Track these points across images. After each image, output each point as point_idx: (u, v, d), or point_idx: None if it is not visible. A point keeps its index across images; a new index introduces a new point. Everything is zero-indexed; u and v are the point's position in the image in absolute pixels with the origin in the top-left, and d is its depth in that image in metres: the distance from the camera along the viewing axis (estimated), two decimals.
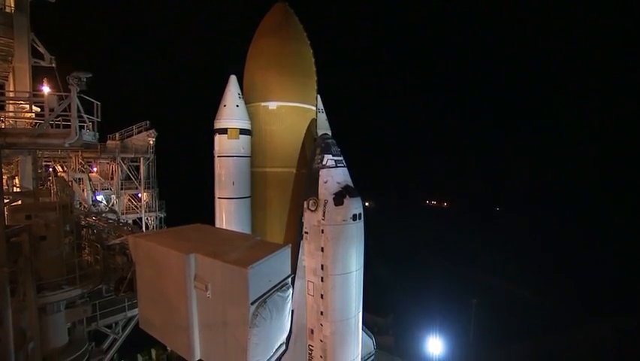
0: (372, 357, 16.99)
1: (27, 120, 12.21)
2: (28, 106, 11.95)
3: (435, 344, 33.83)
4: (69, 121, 10.41)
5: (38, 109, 12.09)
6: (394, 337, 41.22)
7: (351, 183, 9.96)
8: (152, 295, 6.95)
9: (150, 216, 24.98)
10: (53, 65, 16.34)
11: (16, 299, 10.01)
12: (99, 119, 11.55)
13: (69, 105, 10.13)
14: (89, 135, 11.22)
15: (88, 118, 10.88)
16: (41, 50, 16.53)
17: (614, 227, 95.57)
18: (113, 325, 16.07)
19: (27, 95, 11.85)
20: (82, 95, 10.36)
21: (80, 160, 22.43)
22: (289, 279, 6.37)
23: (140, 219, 24.66)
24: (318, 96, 12.93)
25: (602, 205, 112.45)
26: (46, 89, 12.30)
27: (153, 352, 25.90)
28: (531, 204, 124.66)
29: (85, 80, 9.83)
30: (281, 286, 6.09)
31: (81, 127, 10.75)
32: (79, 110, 10.24)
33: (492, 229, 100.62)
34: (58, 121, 10.71)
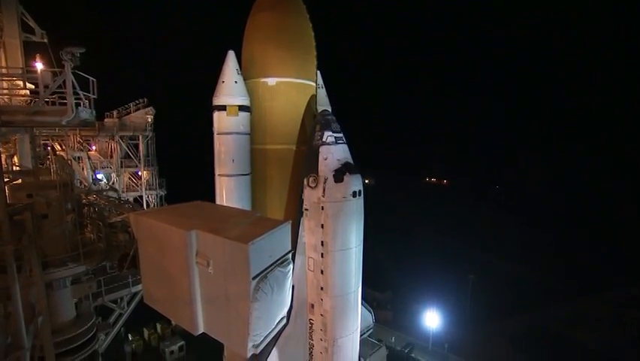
0: (371, 331, 17.51)
1: (22, 98, 12.02)
2: (22, 83, 11.72)
3: (432, 318, 34.82)
4: (65, 98, 10.24)
5: (32, 86, 11.87)
6: (393, 311, 42.38)
7: (351, 160, 9.92)
8: (155, 271, 7.06)
9: (151, 194, 25.11)
10: (45, 40, 15.86)
11: (22, 276, 10.21)
12: (95, 96, 11.36)
13: (64, 82, 9.94)
14: (86, 113, 11.07)
15: (84, 95, 10.70)
16: (31, 24, 16.00)
17: (611, 205, 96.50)
18: (118, 300, 16.49)
19: (20, 71, 11.57)
20: (76, 71, 10.14)
21: (79, 139, 22.30)
22: (290, 255, 6.45)
23: (141, 197, 24.80)
24: (318, 72, 12.69)
25: (599, 184, 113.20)
26: (39, 65, 12.00)
27: (158, 326, 26.67)
28: (530, 183, 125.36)
29: (78, 55, 9.60)
30: (282, 262, 6.17)
31: (77, 104, 10.59)
32: (74, 87, 10.05)
33: (491, 207, 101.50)
34: (54, 98, 10.54)
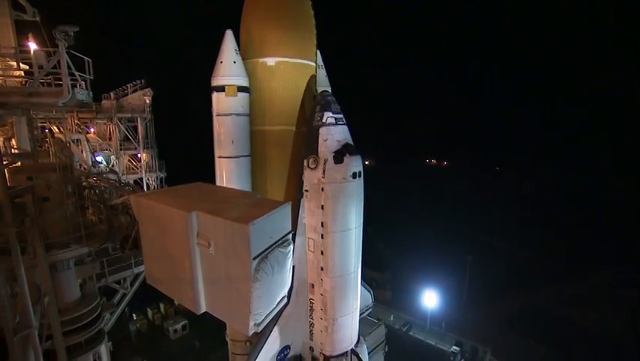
0: (371, 310, 17.88)
1: (16, 79, 11.81)
2: (15, 63, 11.50)
3: (430, 297, 35.49)
4: (60, 79, 10.07)
5: (27, 67, 11.65)
6: (392, 291, 43.19)
7: (351, 141, 9.85)
8: (157, 252, 7.13)
9: (151, 177, 25.10)
10: (37, 18, 15.42)
11: (27, 257, 10.33)
12: (92, 77, 11.18)
13: (58, 62, 9.75)
14: (82, 94, 10.93)
15: (80, 76, 10.52)
16: (22, 2, 15.53)
17: (609, 187, 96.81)
18: (122, 281, 16.76)
19: (13, 51, 11.32)
20: (71, 51, 9.93)
21: (76, 121, 22.08)
22: (290, 235, 6.49)
23: (141, 179, 24.80)
24: (318, 52, 12.44)
25: (597, 166, 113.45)
26: (32, 45, 11.72)
27: (162, 306, 27.21)
28: (530, 165, 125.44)
29: (72, 34, 9.37)
30: (282, 242, 6.22)
31: (73, 85, 10.43)
32: (69, 67, 9.87)
33: (490, 188, 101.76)
34: (49, 80, 10.37)
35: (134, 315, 26.84)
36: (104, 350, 15.64)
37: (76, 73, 10.33)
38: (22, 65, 11.82)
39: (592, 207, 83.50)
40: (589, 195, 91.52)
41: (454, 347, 30.24)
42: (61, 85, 10.04)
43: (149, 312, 27.18)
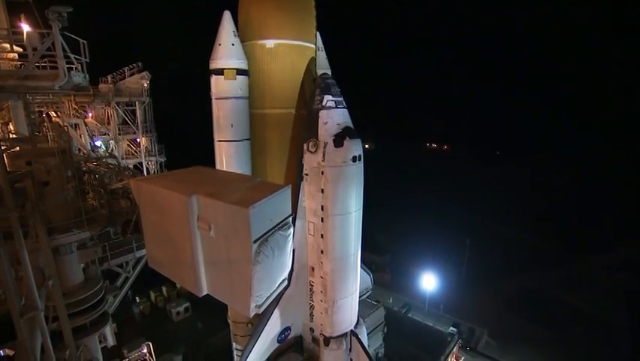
0: (370, 292, 18.17)
1: (10, 62, 11.62)
2: (8, 46, 11.28)
3: (429, 280, 36.00)
4: (55, 63, 9.91)
5: (20, 49, 11.44)
6: (391, 274, 43.74)
7: (351, 125, 9.78)
8: (158, 236, 7.16)
9: (150, 161, 25.05)
10: None
11: (29, 241, 10.41)
12: (87, 60, 10.99)
13: (53, 45, 9.56)
14: (78, 77, 10.77)
15: (75, 58, 10.34)
16: None
17: (607, 170, 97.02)
18: (124, 264, 16.98)
19: (5, 32, 11.08)
20: (65, 33, 9.73)
21: (74, 105, 21.85)
22: (290, 218, 6.51)
23: (141, 164, 24.76)
24: (318, 34, 12.19)
25: (595, 149, 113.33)
26: (25, 27, 11.47)
27: (164, 289, 27.58)
28: (530, 151, 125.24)
29: (66, 15, 9.15)
30: (282, 225, 6.24)
31: (69, 68, 10.27)
32: (64, 50, 9.69)
33: (490, 173, 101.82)
34: (44, 62, 10.20)
35: (137, 298, 27.26)
36: (108, 331, 15.99)
37: (72, 55, 10.16)
38: (15, 48, 11.61)
39: (592, 192, 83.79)
40: (589, 181, 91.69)
41: (452, 328, 30.88)
42: (56, 68, 9.88)
43: (152, 295, 27.58)
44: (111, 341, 16.47)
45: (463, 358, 26.12)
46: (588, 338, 33.52)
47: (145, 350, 15.08)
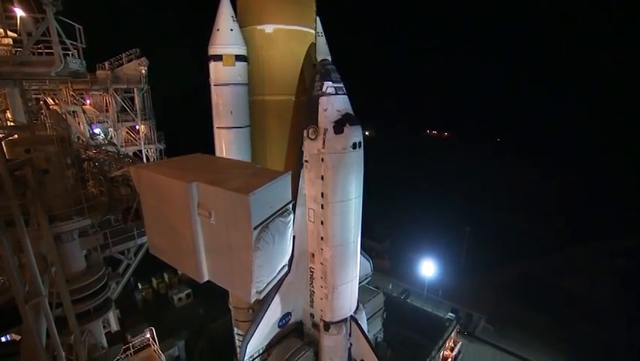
0: (370, 278, 18.38)
1: (5, 48, 11.44)
2: (2, 31, 11.08)
3: (428, 267, 36.31)
4: (51, 49, 9.75)
5: (15, 35, 11.25)
6: (390, 261, 44.11)
7: (351, 111, 9.70)
8: (159, 223, 7.20)
9: (150, 148, 24.95)
10: None
11: (31, 229, 10.46)
12: (84, 45, 10.82)
13: (48, 30, 9.39)
14: (75, 63, 10.63)
15: (71, 44, 10.18)
16: None
17: (609, 157, 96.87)
18: (125, 251, 17.09)
19: None
20: (60, 18, 9.55)
21: (71, 92, 21.62)
22: (290, 205, 6.53)
23: (140, 151, 24.67)
24: (318, 19, 11.98)
25: (597, 136, 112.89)
26: (19, 11, 11.24)
27: (166, 275, 27.84)
28: (530, 137, 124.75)
29: None
30: (282, 212, 6.26)
31: (65, 54, 10.12)
32: (59, 35, 9.52)
33: (491, 160, 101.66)
34: (40, 48, 10.04)
35: (139, 284, 27.53)
36: (112, 317, 16.23)
37: (67, 41, 9.99)
38: (9, 34, 11.41)
39: (594, 178, 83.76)
40: (593, 169, 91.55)
41: (450, 314, 31.35)
42: (52, 54, 9.73)
43: (154, 281, 27.87)
44: (115, 327, 16.73)
45: (460, 343, 26.55)
46: (585, 324, 34.04)
47: (148, 335, 15.33)
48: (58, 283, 11.22)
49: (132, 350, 14.24)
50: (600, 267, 44.68)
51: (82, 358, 11.43)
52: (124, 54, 22.83)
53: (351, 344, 13.87)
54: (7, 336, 12.81)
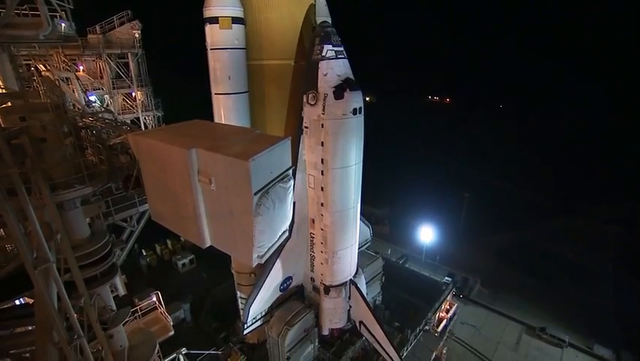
0: (369, 244, 18.79)
1: None
2: None
3: (426, 233, 37.04)
4: (37, 10, 9.31)
5: None
6: (390, 226, 44.92)
7: (351, 76, 9.46)
8: (160, 190, 7.22)
9: (148, 116, 24.56)
10: None
11: (34, 197, 10.50)
12: (72, 7, 10.34)
13: None
14: (64, 26, 10.19)
15: (58, 4, 9.70)
16: None
17: (604, 125, 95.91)
18: (128, 219, 17.30)
19: None
20: None
21: (63, 58, 20.92)
22: (290, 171, 6.52)
23: (138, 119, 24.30)
24: None
25: (593, 107, 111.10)
26: None
27: (169, 242, 28.41)
28: (532, 104, 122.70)
29: None
30: (282, 178, 6.26)
31: (53, 17, 9.68)
32: None
33: (492, 126, 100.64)
34: (25, 10, 9.58)
35: (143, 251, 28.17)
36: (118, 281, 16.70)
37: (54, 1, 9.52)
38: None
39: (591, 147, 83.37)
40: (589, 135, 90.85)
41: (447, 278, 32.37)
42: (38, 16, 9.30)
43: (158, 248, 28.47)
44: (122, 291, 17.26)
45: (456, 305, 27.64)
46: (575, 288, 35.27)
47: (154, 299, 15.88)
48: (64, 250, 11.45)
49: (140, 313, 14.78)
50: (593, 234, 45.62)
51: (92, 319, 11.91)
52: (115, 17, 21.85)
53: (350, 307, 14.43)
54: (21, 299, 13.26)
